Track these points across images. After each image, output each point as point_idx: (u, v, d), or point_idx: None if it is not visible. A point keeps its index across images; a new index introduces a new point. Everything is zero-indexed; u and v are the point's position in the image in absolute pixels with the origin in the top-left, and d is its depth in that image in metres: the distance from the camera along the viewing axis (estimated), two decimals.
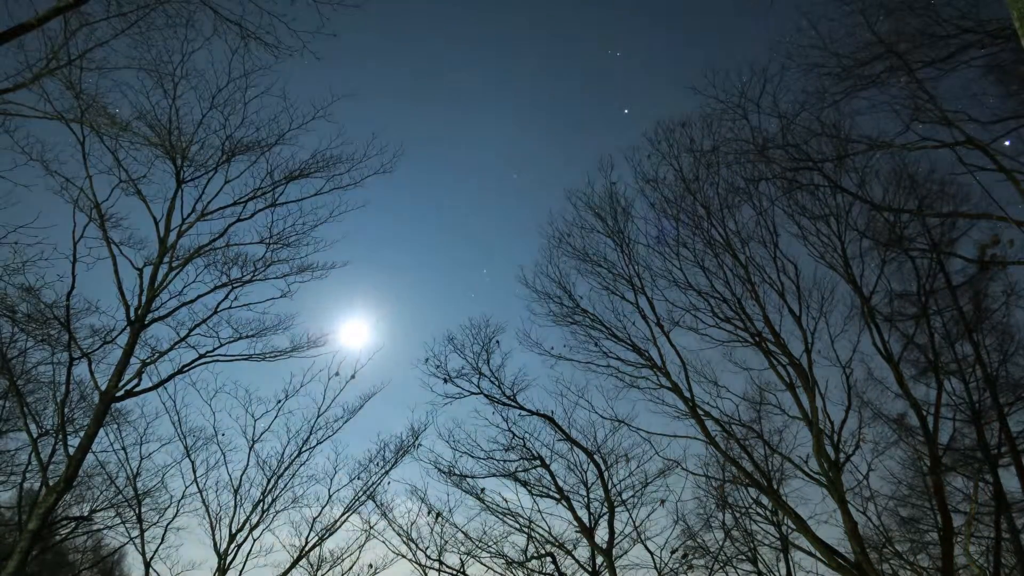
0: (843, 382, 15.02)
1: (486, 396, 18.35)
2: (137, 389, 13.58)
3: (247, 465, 18.50)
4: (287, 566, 18.13)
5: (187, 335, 14.88)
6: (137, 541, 18.02)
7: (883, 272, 15.63)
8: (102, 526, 20.93)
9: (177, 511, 18.94)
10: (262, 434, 18.56)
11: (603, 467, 18.37)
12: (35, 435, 14.85)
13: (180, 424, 18.33)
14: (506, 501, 18.76)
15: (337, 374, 18.72)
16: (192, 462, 18.49)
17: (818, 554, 13.37)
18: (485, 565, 19.04)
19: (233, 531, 17.77)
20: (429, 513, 19.23)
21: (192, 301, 14.86)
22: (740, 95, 14.07)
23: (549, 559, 18.71)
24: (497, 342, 18.26)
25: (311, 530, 18.66)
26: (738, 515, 19.48)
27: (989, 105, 11.39)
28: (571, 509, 18.01)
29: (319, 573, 19.40)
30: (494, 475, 18.78)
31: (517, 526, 18.79)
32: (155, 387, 14.64)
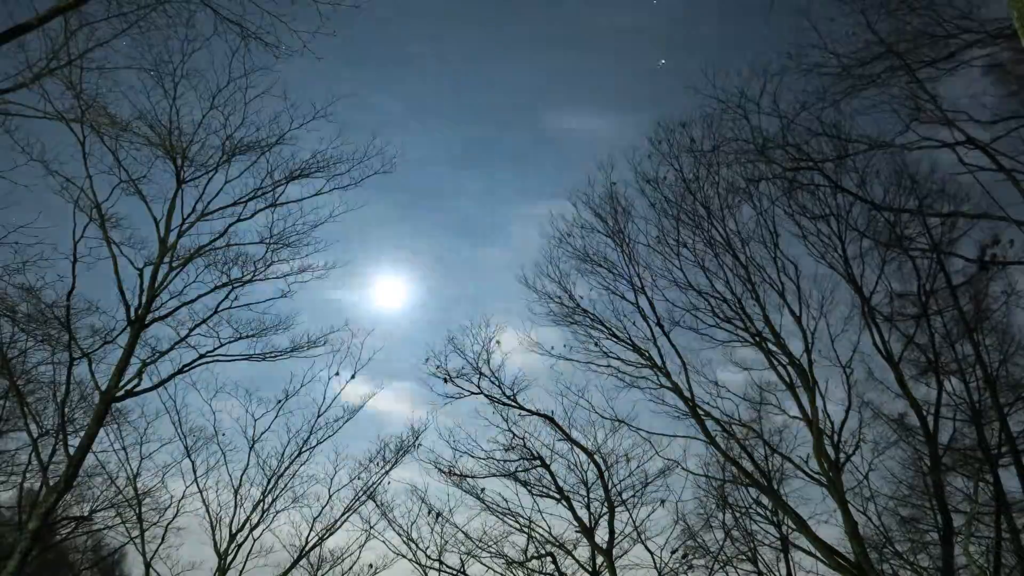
0: (843, 382, 15.01)
1: (486, 396, 18.35)
2: (137, 389, 13.60)
3: (247, 465, 18.55)
4: (287, 566, 18.15)
5: (187, 335, 14.90)
6: (137, 541, 18.04)
7: (883, 272, 15.62)
8: (102, 526, 20.97)
9: (177, 511, 19.00)
10: (262, 434, 18.62)
11: (603, 467, 18.37)
12: (35, 435, 14.88)
13: (180, 424, 18.37)
14: (506, 501, 18.78)
15: (337, 374, 18.76)
16: (192, 462, 18.54)
17: (818, 554, 13.36)
18: (485, 565, 19.07)
19: (233, 531, 17.78)
20: (429, 513, 19.24)
21: (192, 301, 14.89)
22: (740, 95, 14.09)
23: (549, 559, 18.72)
24: (497, 342, 18.27)
25: (311, 530, 18.69)
26: (738, 515, 19.47)
27: (989, 105, 11.39)
28: (571, 509, 18.01)
29: (319, 573, 19.43)
30: (494, 475, 18.78)
31: (517, 526, 18.80)
32: (155, 387, 14.66)
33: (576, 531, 18.31)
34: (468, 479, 18.78)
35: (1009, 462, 14.64)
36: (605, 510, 18.15)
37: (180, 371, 14.95)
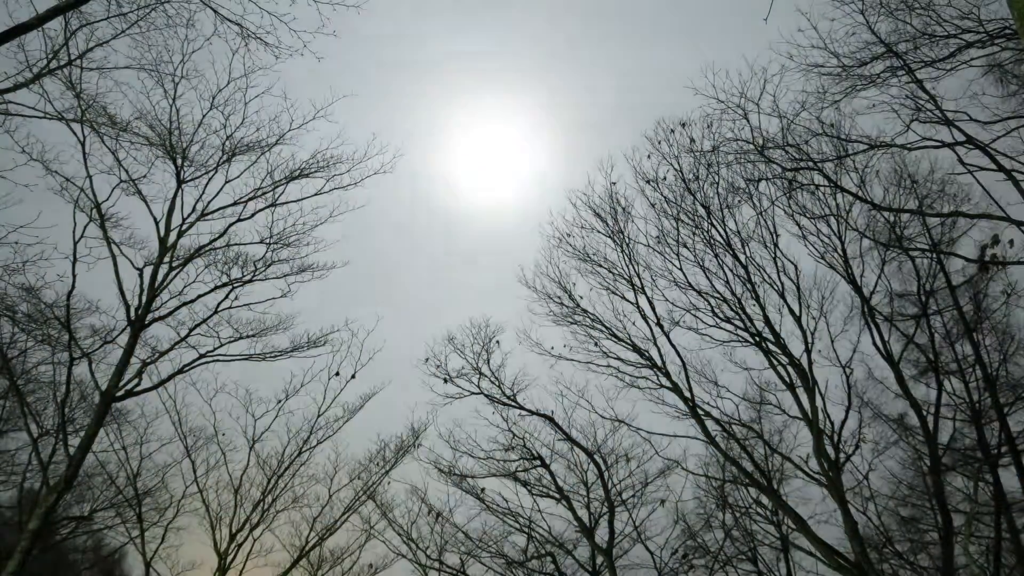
0: (843, 382, 15.04)
1: (486, 396, 18.36)
2: (137, 389, 13.58)
3: (247, 465, 18.52)
4: (287, 566, 18.16)
5: (187, 335, 14.88)
6: (137, 541, 18.05)
7: (883, 272, 15.65)
8: (102, 526, 20.98)
9: (177, 511, 19.01)
10: (262, 434, 18.58)
11: (603, 467, 18.38)
12: (35, 435, 14.85)
13: (180, 424, 18.36)
14: (506, 501, 18.78)
15: (337, 374, 18.72)
16: (192, 462, 18.52)
17: (818, 554, 13.36)
18: (485, 565, 19.08)
19: (233, 531, 17.78)
20: (429, 513, 19.24)
21: (192, 301, 14.86)
22: (740, 95, 14.09)
23: (549, 559, 18.72)
24: (497, 342, 18.27)
25: (311, 530, 18.69)
26: (738, 515, 19.47)
27: (989, 105, 11.40)
28: (571, 509, 18.01)
29: (319, 573, 19.43)
30: (494, 475, 18.79)
31: (517, 526, 18.81)
32: (155, 387, 14.64)
33: (576, 531, 18.32)
34: (468, 479, 18.81)
35: (1009, 462, 14.64)
36: (605, 510, 18.16)
37: (180, 371, 14.94)
